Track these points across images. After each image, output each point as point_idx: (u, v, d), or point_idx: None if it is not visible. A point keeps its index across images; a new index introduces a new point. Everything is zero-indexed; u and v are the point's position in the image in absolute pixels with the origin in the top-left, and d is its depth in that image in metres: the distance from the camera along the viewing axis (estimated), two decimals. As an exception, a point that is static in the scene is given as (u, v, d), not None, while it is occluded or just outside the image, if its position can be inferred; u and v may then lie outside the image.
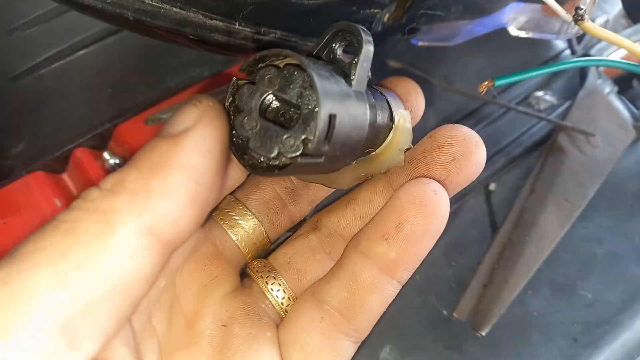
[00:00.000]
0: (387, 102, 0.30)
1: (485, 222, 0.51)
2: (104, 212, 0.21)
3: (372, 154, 0.31)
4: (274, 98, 0.26)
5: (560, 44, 0.63)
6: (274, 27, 0.34)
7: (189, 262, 0.30)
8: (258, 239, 0.34)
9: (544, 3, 0.36)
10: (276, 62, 0.26)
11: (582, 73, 0.62)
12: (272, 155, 0.25)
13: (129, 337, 0.25)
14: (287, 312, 0.32)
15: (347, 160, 0.29)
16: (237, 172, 0.31)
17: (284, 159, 0.25)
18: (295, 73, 0.25)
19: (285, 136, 0.24)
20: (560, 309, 0.47)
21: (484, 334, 0.45)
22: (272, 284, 0.32)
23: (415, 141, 0.31)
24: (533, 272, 0.47)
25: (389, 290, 0.30)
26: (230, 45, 0.34)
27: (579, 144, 0.54)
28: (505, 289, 0.46)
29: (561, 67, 0.47)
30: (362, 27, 0.27)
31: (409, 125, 0.31)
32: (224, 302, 0.30)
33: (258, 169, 0.25)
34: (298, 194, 0.34)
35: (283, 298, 0.32)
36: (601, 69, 0.64)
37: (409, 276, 0.30)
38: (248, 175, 0.33)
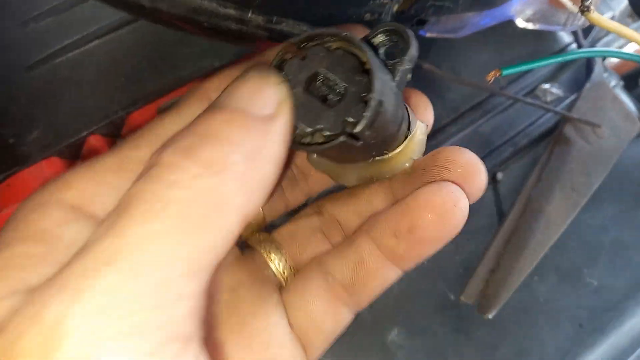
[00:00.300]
0: (408, 111, 0.31)
1: (493, 210, 0.51)
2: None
3: (386, 156, 0.31)
4: (322, 77, 0.26)
5: (566, 37, 0.63)
6: (286, 15, 0.35)
7: None
8: (255, 219, 0.35)
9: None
10: (328, 43, 0.26)
11: (589, 66, 0.62)
12: (310, 130, 0.25)
13: None
14: (287, 280, 0.33)
15: (373, 152, 0.29)
16: None
17: (320, 136, 0.25)
18: (346, 56, 0.25)
19: (328, 113, 0.25)
20: (567, 295, 0.48)
21: (490, 317, 0.46)
22: (274, 254, 0.33)
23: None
24: (539, 258, 0.47)
25: (392, 276, 0.30)
26: (243, 33, 0.35)
27: (585, 134, 0.55)
28: (512, 274, 0.47)
29: (568, 57, 0.48)
30: (412, 32, 0.27)
31: (423, 137, 0.31)
32: (230, 270, 0.31)
33: (294, 143, 0.26)
34: (296, 184, 0.35)
35: (284, 267, 0.33)
36: (608, 64, 0.64)
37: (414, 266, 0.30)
38: None
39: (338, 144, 0.25)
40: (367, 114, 0.24)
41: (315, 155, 0.32)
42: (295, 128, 0.25)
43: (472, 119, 0.55)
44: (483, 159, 0.54)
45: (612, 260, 0.50)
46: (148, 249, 0.19)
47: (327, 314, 0.31)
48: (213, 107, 0.23)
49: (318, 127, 0.25)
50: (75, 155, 0.48)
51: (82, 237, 0.22)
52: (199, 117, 0.23)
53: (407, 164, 0.31)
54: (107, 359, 0.18)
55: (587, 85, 0.59)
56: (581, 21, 0.47)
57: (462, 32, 0.48)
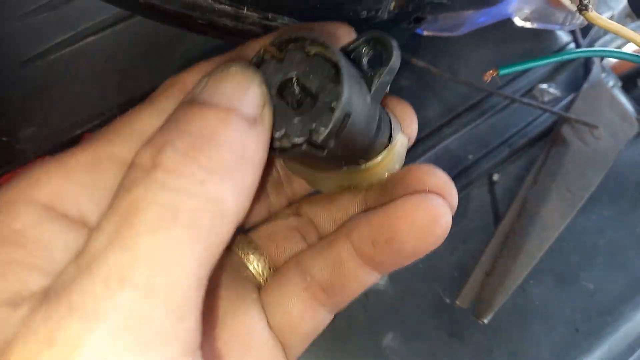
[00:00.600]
0: (390, 123, 0.31)
1: (489, 211, 0.51)
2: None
3: (361, 166, 0.31)
4: (295, 80, 0.26)
5: (564, 37, 0.63)
6: (281, 12, 0.35)
7: None
8: None
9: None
10: (308, 48, 0.26)
11: (586, 66, 0.62)
12: (277, 135, 0.25)
13: None
14: (266, 280, 0.32)
15: (343, 162, 0.29)
16: None
17: (286, 141, 0.25)
18: (323, 63, 0.25)
19: (296, 119, 0.25)
20: (562, 298, 0.48)
21: (486, 321, 0.46)
22: (252, 254, 0.33)
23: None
24: (535, 261, 0.47)
25: (371, 280, 0.30)
26: (238, 30, 0.35)
27: (582, 135, 0.54)
28: (508, 278, 0.46)
29: (565, 56, 0.47)
30: (396, 42, 0.27)
31: (403, 151, 0.31)
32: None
33: None
34: (281, 188, 0.35)
35: (263, 268, 0.33)
36: (606, 64, 0.64)
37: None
38: None
39: (301, 152, 0.25)
40: (330, 124, 0.24)
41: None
42: None
43: (469, 119, 0.55)
44: (480, 159, 0.55)
45: (608, 264, 0.50)
46: (160, 262, 0.19)
47: (306, 313, 0.30)
48: (200, 103, 0.23)
49: (285, 132, 0.25)
50: (69, 153, 0.48)
51: (62, 240, 0.22)
52: (184, 111, 0.22)
53: (384, 176, 0.31)
54: None
55: (585, 86, 0.59)
56: (579, 20, 0.47)
57: (459, 30, 0.48)
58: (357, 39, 0.28)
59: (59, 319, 0.18)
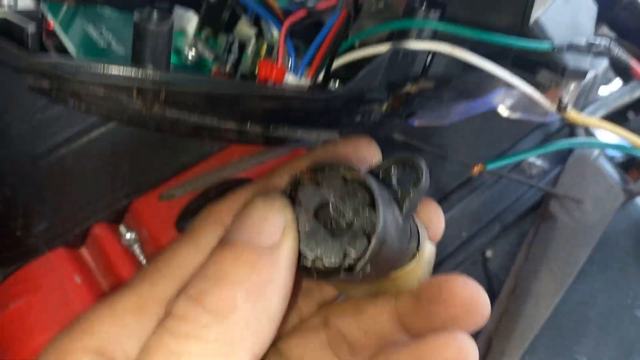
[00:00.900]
0: (418, 234, 0.31)
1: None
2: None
3: (391, 275, 0.31)
4: (332, 205, 0.27)
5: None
6: (282, 124, 0.37)
7: None
8: None
9: (525, 92, 0.38)
10: (343, 172, 0.27)
11: (571, 136, 0.65)
12: (311, 257, 0.26)
13: None
14: None
15: (374, 279, 0.30)
16: None
17: (320, 263, 0.26)
18: (358, 188, 0.26)
19: (331, 244, 0.26)
20: (557, 374, 0.49)
21: (484, 403, 0.47)
22: None
23: None
24: (529, 342, 0.49)
25: None
26: (242, 140, 0.37)
27: (570, 210, 0.57)
28: (504, 358, 0.48)
29: (553, 147, 0.50)
30: (424, 162, 0.28)
31: (431, 260, 0.32)
32: None
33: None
34: (311, 293, 0.35)
35: None
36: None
37: None
38: None
39: (337, 279, 0.26)
40: (367, 254, 0.25)
41: None
42: (299, 252, 0.26)
43: (460, 196, 0.57)
44: (472, 237, 0.56)
45: (600, 335, 0.51)
46: None
47: None
48: (224, 243, 0.25)
49: (319, 254, 0.26)
50: (80, 243, 0.50)
51: None
52: (213, 254, 0.24)
53: (414, 284, 0.31)
54: None
55: (570, 159, 0.61)
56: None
57: (449, 119, 0.51)
58: (387, 161, 0.29)
59: None
